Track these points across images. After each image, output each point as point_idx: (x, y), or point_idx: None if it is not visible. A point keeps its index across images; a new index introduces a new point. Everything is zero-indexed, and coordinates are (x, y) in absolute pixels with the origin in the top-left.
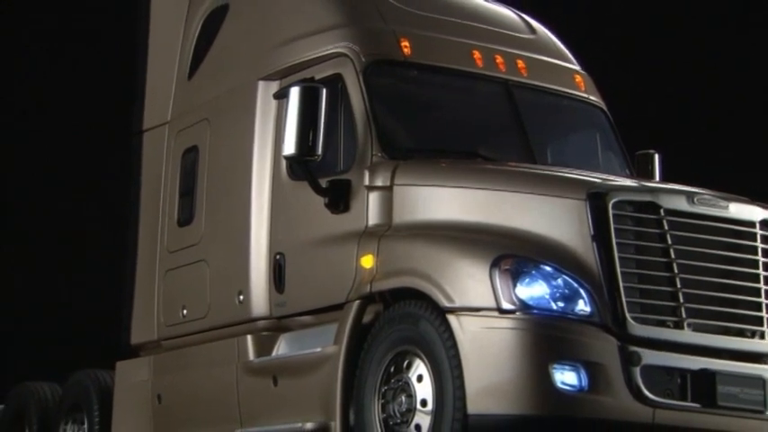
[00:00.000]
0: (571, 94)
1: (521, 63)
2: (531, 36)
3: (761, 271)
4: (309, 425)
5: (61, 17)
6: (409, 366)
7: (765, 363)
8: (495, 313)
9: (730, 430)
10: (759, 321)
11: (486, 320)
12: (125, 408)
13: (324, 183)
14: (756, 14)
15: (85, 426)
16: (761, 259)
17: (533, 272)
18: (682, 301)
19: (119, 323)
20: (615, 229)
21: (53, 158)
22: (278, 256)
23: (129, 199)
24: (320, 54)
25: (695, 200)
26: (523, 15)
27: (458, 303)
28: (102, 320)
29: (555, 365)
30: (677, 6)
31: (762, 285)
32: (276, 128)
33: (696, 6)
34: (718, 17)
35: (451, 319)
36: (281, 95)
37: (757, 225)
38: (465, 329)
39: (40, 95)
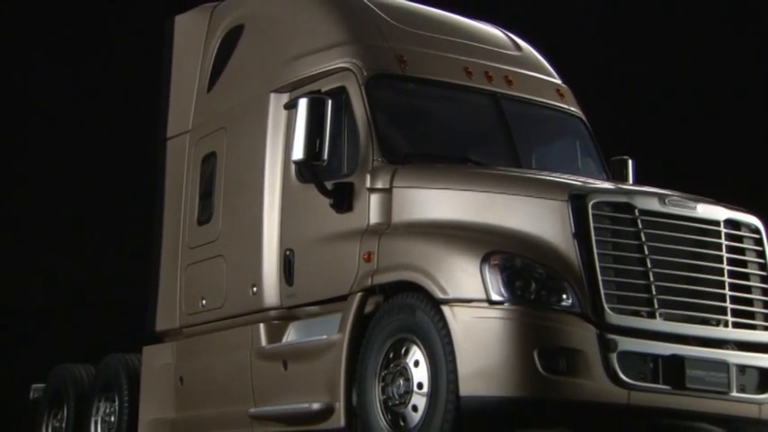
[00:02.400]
0: (553, 105)
1: (508, 77)
2: (518, 53)
3: (724, 265)
4: (316, 405)
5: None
6: (407, 352)
7: (729, 348)
8: (485, 304)
9: (698, 410)
10: (723, 311)
11: (476, 311)
12: (151, 388)
13: (329, 185)
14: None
15: (116, 403)
16: (724, 255)
17: (520, 266)
18: (654, 293)
19: (145, 312)
20: (594, 227)
21: (72, 157)
22: (288, 252)
23: (155, 200)
24: (326, 69)
25: (666, 201)
26: (510, 34)
27: (451, 295)
28: (131, 309)
29: (539, 351)
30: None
31: (725, 278)
32: (286, 135)
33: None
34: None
35: (445, 309)
36: (291, 106)
37: (721, 224)
38: (458, 319)
39: (45, 96)
